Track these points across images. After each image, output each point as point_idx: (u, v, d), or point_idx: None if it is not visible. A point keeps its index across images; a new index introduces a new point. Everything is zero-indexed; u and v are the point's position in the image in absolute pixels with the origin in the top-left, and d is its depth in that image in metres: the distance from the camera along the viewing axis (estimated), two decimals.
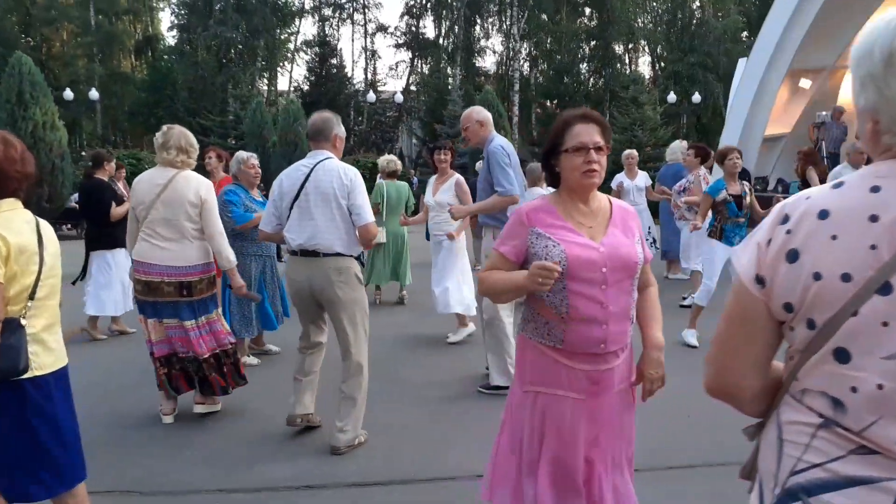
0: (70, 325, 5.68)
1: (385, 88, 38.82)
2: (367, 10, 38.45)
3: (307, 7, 37.41)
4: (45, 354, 2.40)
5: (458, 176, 6.16)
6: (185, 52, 31.10)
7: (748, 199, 5.84)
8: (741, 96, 14.56)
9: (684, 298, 7.57)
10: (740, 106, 14.54)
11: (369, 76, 38.38)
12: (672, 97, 26.98)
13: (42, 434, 2.39)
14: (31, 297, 2.36)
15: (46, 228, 2.48)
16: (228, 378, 4.31)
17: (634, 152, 9.51)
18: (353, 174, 3.75)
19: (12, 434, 2.35)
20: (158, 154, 4.27)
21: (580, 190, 2.24)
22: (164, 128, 4.40)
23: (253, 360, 5.61)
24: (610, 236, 2.20)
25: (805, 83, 14.37)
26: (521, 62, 36.22)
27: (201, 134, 27.04)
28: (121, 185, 7.29)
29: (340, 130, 3.88)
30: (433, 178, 6.32)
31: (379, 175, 8.09)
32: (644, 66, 40.86)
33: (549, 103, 38.35)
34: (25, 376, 2.31)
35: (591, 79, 37.30)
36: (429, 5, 38.86)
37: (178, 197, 4.11)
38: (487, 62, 40.12)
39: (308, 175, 3.67)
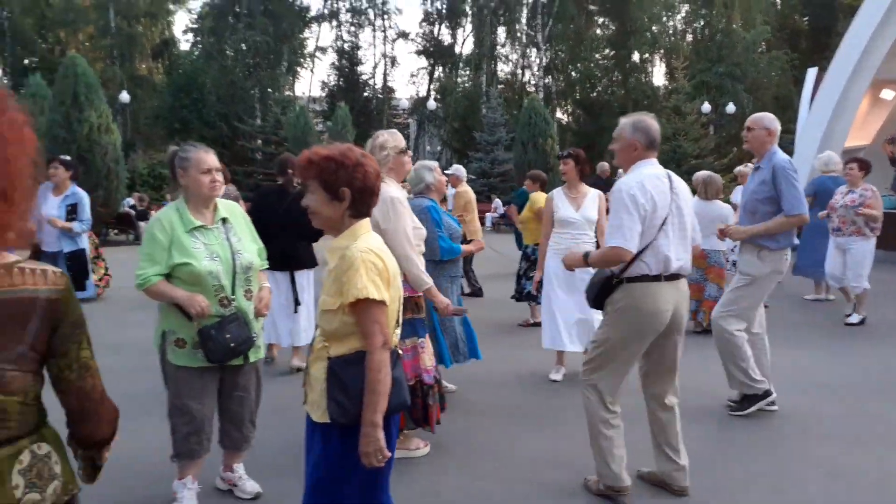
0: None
1: (399, 95, 38.72)
2: (386, 16, 38.22)
3: (326, 12, 37.14)
4: None
5: (598, 192, 5.56)
6: (212, 55, 30.54)
7: None
8: (821, 106, 14.34)
9: (848, 316, 7.32)
10: (819, 116, 14.32)
11: (388, 82, 38.10)
12: (706, 107, 26.84)
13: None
14: (397, 323, 2.26)
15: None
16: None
17: (743, 168, 9.32)
18: None
19: (374, 474, 2.15)
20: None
21: None
22: (381, 134, 3.95)
23: (452, 386, 5.04)
24: None
25: (887, 94, 14.21)
26: (540, 70, 36.08)
27: (235, 139, 26.72)
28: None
29: None
30: (560, 191, 5.50)
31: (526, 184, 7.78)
32: (660, 76, 41.09)
33: (570, 112, 38.34)
34: None
35: (612, 88, 37.20)
36: (444, 12, 38.75)
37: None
38: (504, 70, 40.05)
39: (671, 187, 3.27)
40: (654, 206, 3.15)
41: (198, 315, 2.91)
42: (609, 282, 3.23)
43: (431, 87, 39.00)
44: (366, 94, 36.00)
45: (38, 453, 1.39)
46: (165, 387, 3.13)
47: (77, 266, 6.82)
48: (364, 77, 35.64)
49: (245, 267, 3.12)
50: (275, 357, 5.84)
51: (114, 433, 1.56)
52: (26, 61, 33.01)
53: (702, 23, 36.01)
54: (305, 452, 2.26)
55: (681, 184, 3.34)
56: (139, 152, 24.65)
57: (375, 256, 2.10)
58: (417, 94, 38.83)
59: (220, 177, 3.15)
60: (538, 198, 7.19)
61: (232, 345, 2.98)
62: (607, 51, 37.58)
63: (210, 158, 3.13)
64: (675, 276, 3.24)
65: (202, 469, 3.26)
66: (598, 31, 38.68)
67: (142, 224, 16.38)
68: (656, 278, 3.18)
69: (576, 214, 5.33)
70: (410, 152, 3.97)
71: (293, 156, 5.93)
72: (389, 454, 2.08)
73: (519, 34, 37.72)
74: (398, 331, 2.27)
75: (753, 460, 3.84)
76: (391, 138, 3.81)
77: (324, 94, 36.64)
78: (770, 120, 4.46)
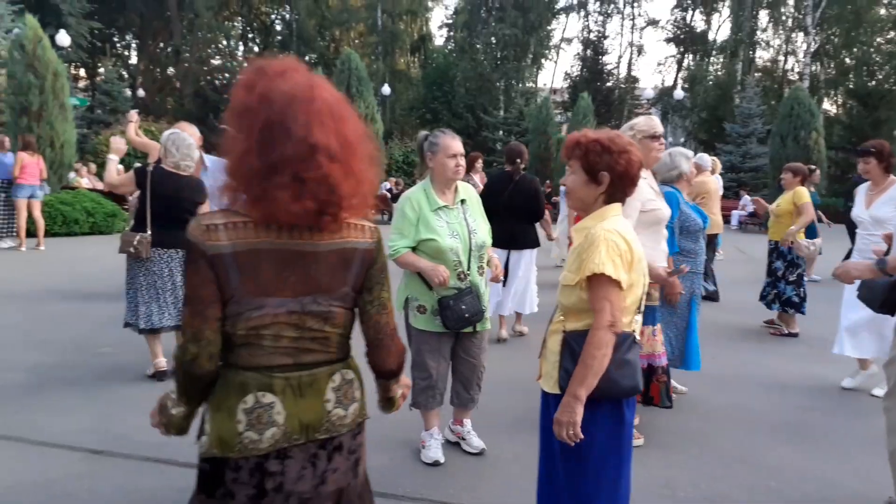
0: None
1: (642, 84, 37.47)
2: (636, 4, 37.15)
3: (575, 2, 37.08)
4: None
5: None
6: (464, 49, 32.26)
7: None
8: None
9: None
10: None
11: (632, 72, 37.13)
12: None
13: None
14: (639, 310, 2.22)
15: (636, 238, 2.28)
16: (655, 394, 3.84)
17: None
18: None
19: (607, 457, 2.16)
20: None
21: None
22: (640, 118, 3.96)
23: (683, 388, 4.89)
24: None
25: None
26: (807, 56, 32.51)
27: (479, 129, 28.01)
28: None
29: None
30: (863, 186, 5.07)
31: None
32: None
33: (840, 103, 34.16)
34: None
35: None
36: None
37: None
38: (763, 57, 36.84)
39: None
40: None
41: (439, 284, 3.24)
42: None
43: (679, 75, 37.24)
44: (609, 84, 35.46)
45: (346, 378, 1.66)
46: (408, 345, 3.55)
47: None
48: (608, 67, 35.08)
49: (479, 245, 3.42)
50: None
51: (400, 367, 1.78)
52: (307, 58, 37.68)
53: None
54: (541, 427, 2.37)
55: None
56: (395, 140, 26.91)
57: (619, 237, 2.10)
58: (662, 84, 37.40)
59: (463, 161, 3.45)
60: (803, 192, 6.62)
61: (466, 315, 3.30)
62: (893, 34, 32.72)
63: (456, 144, 3.43)
64: None
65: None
66: (883, 12, 33.84)
67: (395, 206, 18.00)
68: None
69: (863, 213, 4.94)
70: (664, 141, 3.86)
71: (521, 145, 6.37)
72: (582, 436, 2.06)
73: (784, 17, 34.43)
74: (639, 317, 2.25)
75: None
76: (644, 121, 3.80)
77: (566, 85, 36.79)
78: None
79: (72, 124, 13.73)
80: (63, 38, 19.57)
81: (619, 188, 2.20)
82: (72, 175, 14.64)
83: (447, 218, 3.38)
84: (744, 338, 6.66)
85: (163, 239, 4.59)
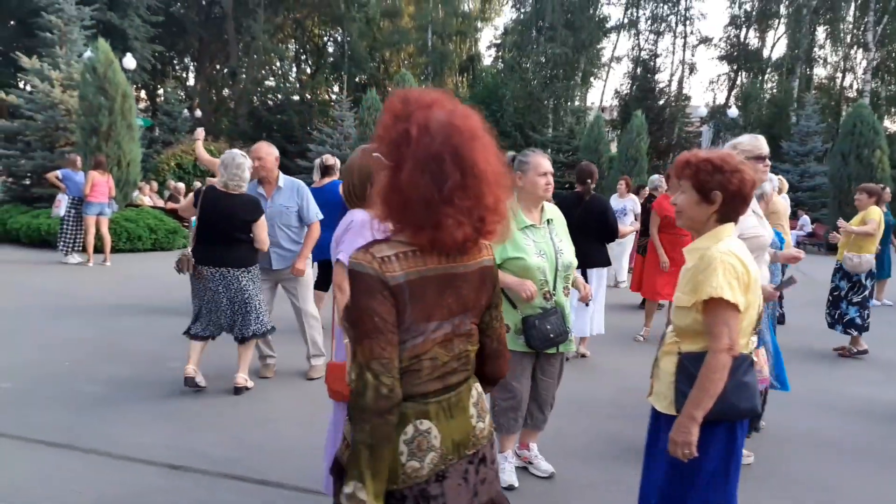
0: None
1: (694, 102, 36.92)
2: (689, 23, 36.67)
3: (626, 20, 36.86)
4: None
5: None
6: (513, 68, 32.35)
7: None
8: None
9: None
10: None
11: (684, 90, 36.58)
12: None
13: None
14: (754, 331, 2.24)
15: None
16: None
17: None
18: None
19: (717, 479, 2.17)
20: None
21: None
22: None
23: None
24: None
25: None
26: (867, 73, 31.54)
27: (528, 148, 27.97)
28: None
29: None
30: None
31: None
32: None
33: None
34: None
35: None
36: (753, 15, 36.00)
37: None
38: (819, 74, 35.91)
39: None
40: None
41: (527, 299, 3.20)
42: None
43: (732, 93, 36.58)
44: (660, 102, 35.04)
45: (478, 391, 1.71)
46: None
47: None
48: (660, 85, 34.69)
49: (566, 265, 3.39)
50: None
51: (505, 373, 1.84)
52: (357, 79, 38.25)
53: None
54: (647, 445, 2.37)
55: None
56: None
57: (736, 259, 2.10)
58: (714, 101, 36.82)
59: (552, 180, 3.46)
60: (874, 210, 6.47)
61: (551, 335, 3.26)
62: None
63: (546, 163, 3.46)
64: None
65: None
66: None
67: None
68: None
69: None
70: (769, 162, 3.71)
71: (592, 164, 6.29)
72: (696, 453, 2.07)
73: (842, 34, 33.56)
74: (754, 338, 2.24)
75: None
76: (748, 140, 3.66)
77: (615, 103, 36.53)
78: None
79: (138, 144, 14.20)
80: (129, 61, 20.32)
81: (732, 208, 2.20)
82: (135, 193, 15.14)
83: (534, 237, 3.36)
84: (813, 360, 6.46)
85: (210, 256, 4.70)
